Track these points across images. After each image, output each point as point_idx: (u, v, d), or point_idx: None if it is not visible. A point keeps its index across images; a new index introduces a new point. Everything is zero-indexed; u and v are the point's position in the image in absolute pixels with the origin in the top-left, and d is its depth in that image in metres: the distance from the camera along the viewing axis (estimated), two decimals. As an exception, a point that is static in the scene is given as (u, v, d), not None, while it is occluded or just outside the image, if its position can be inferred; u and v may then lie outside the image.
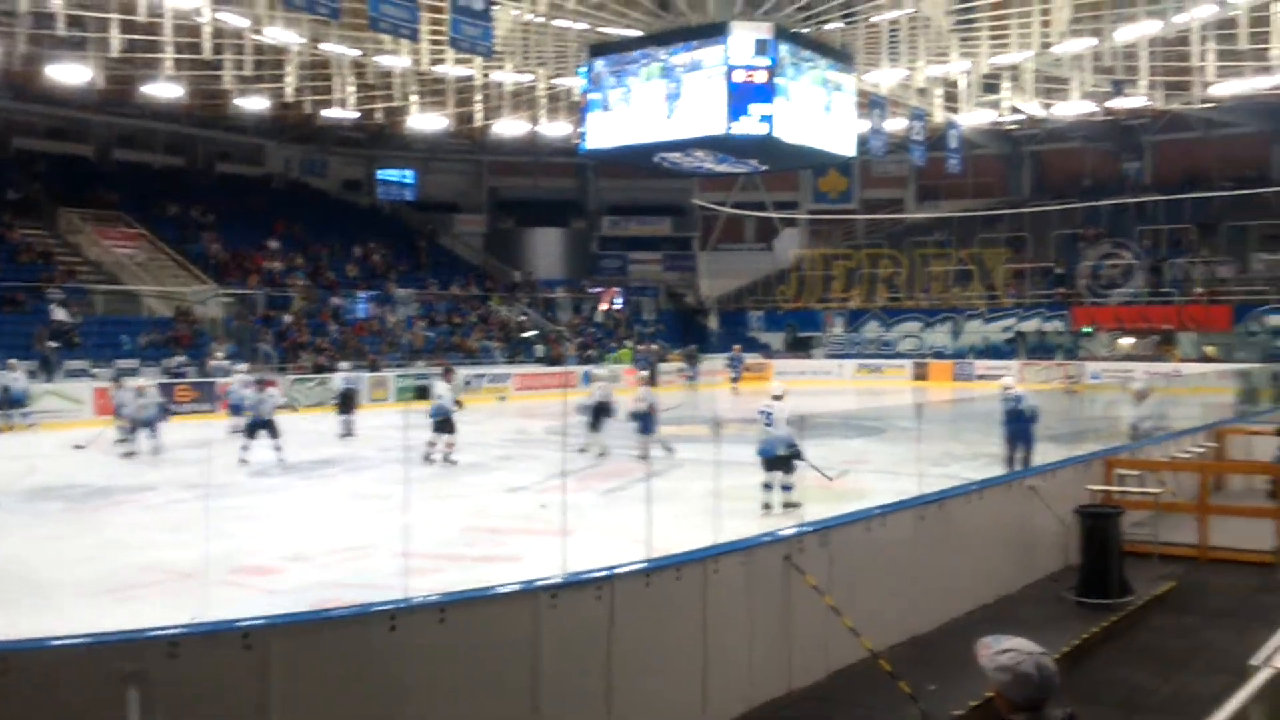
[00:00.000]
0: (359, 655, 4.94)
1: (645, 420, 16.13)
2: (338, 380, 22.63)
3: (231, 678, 4.61)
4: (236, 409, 19.73)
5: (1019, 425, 13.70)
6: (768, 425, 12.00)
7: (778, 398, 12.28)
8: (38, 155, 34.30)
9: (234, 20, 22.73)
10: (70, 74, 25.85)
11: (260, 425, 16.84)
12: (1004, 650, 2.95)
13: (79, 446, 17.84)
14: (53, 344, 24.27)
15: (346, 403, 21.51)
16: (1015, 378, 16.62)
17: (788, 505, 11.53)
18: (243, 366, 22.90)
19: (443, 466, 16.12)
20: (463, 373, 30.25)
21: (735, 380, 33.78)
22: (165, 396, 23.71)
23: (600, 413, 17.85)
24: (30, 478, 15.28)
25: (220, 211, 35.55)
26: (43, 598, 8.92)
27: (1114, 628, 8.26)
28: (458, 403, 17.20)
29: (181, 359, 25.85)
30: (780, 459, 11.76)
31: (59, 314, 25.73)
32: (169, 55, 23.04)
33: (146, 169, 37.53)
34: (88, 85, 26.78)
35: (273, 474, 15.97)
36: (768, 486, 11.88)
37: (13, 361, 21.42)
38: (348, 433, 20.79)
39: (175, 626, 4.71)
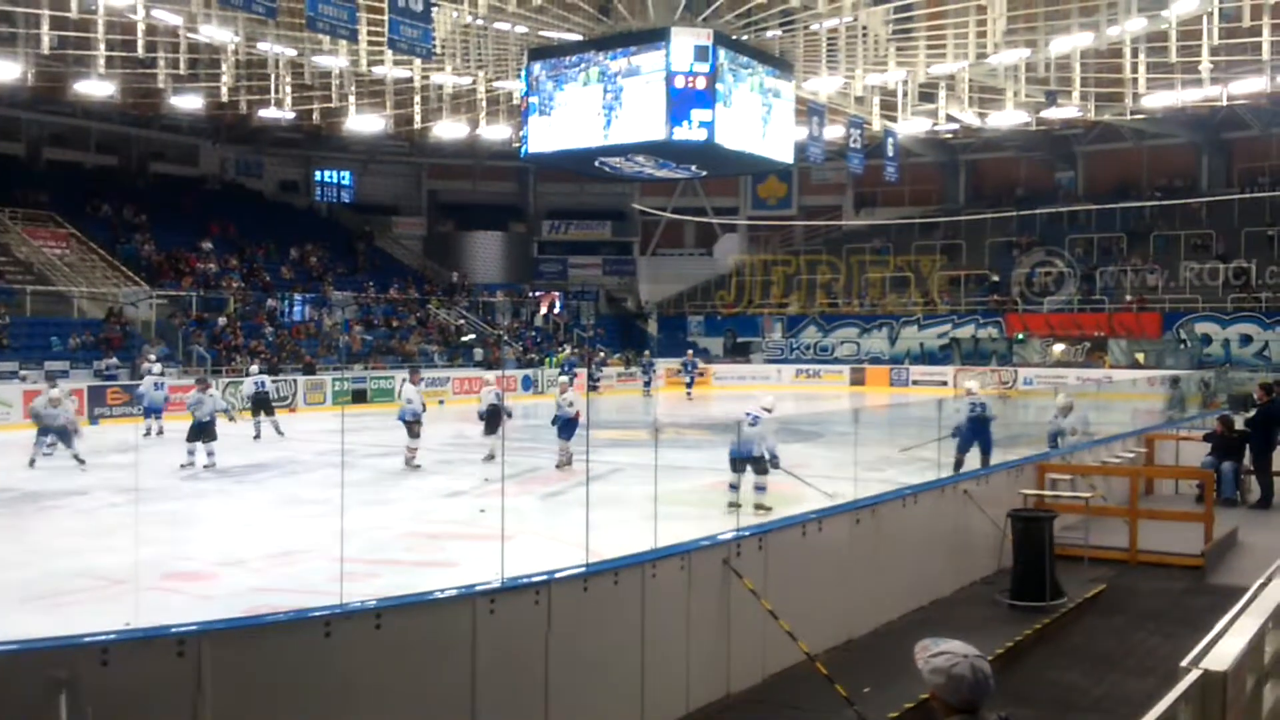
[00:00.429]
0: (294, 662, 4.88)
1: (567, 426, 16.01)
2: (247, 384, 22.33)
3: (164, 685, 4.54)
4: (149, 411, 19.69)
5: (982, 430, 14.03)
6: (752, 425, 12.33)
7: (768, 409, 12.68)
8: (-36, 154, 33.34)
9: (168, 18, 22.27)
10: (0, 71, 25.12)
11: (200, 428, 16.52)
12: (939, 653, 2.98)
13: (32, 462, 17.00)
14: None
15: (259, 405, 21.19)
16: (978, 383, 16.91)
17: (759, 507, 11.66)
18: (157, 368, 22.25)
19: (392, 472, 15.98)
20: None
21: (689, 386, 33.62)
22: (95, 400, 23.30)
23: (492, 416, 17.60)
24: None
25: (153, 212, 34.84)
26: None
27: (1047, 630, 8.43)
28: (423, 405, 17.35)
29: (113, 361, 25.28)
30: (755, 459, 12.20)
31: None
32: (102, 53, 22.55)
33: (78, 168, 36.65)
34: (18, 83, 26.02)
35: (206, 478, 15.68)
36: (734, 486, 12.14)
37: None
38: (258, 434, 20.60)
39: (107, 633, 4.62)
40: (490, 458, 17.24)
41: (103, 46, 22.23)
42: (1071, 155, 42.24)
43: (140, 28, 22.01)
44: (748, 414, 12.58)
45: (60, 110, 33.93)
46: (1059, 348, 36.70)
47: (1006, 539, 9.70)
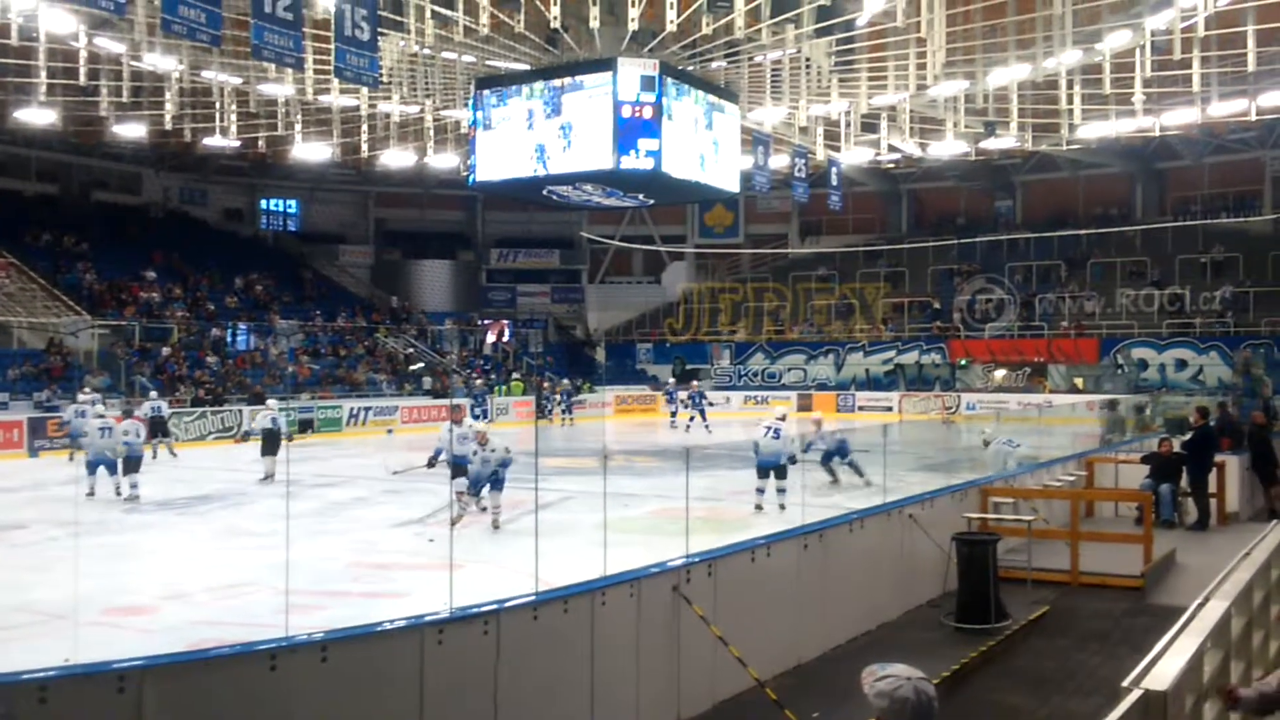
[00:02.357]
0: (238, 696, 4.83)
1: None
2: (146, 408, 22.13)
3: (104, 722, 4.46)
4: (74, 437, 19.24)
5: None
6: (775, 439, 14.09)
7: (782, 419, 14.55)
8: (-102, 181, 32.54)
9: (111, 46, 22.01)
10: (-67, 97, 24.65)
11: (132, 460, 16.23)
12: (884, 676, 3.02)
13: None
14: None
15: (155, 429, 21.26)
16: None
17: (783, 507, 13.30)
18: (90, 396, 21.64)
19: (339, 502, 15.79)
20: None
21: (703, 416, 30.37)
22: (35, 432, 22.78)
23: (269, 438, 18.55)
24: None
25: (95, 241, 34.28)
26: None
27: (992, 651, 8.56)
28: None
29: (96, 395, 24.71)
30: (779, 467, 13.97)
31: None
32: (43, 80, 22.19)
33: (17, 196, 35.92)
34: (-47, 109, 25.56)
35: (148, 510, 15.39)
36: (761, 490, 13.92)
37: None
38: (155, 456, 20.78)
39: (46, 669, 4.55)
40: (267, 478, 18.10)
41: (43, 74, 21.88)
42: (1010, 184, 43.17)
43: (82, 55, 21.71)
44: (768, 428, 14.23)
45: (0, 138, 33.35)
46: (1000, 373, 37.34)
47: (951, 562, 9.85)
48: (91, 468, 16.07)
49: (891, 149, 31.09)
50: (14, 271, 30.06)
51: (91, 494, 15.96)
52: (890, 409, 35.68)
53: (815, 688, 7.58)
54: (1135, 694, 3.70)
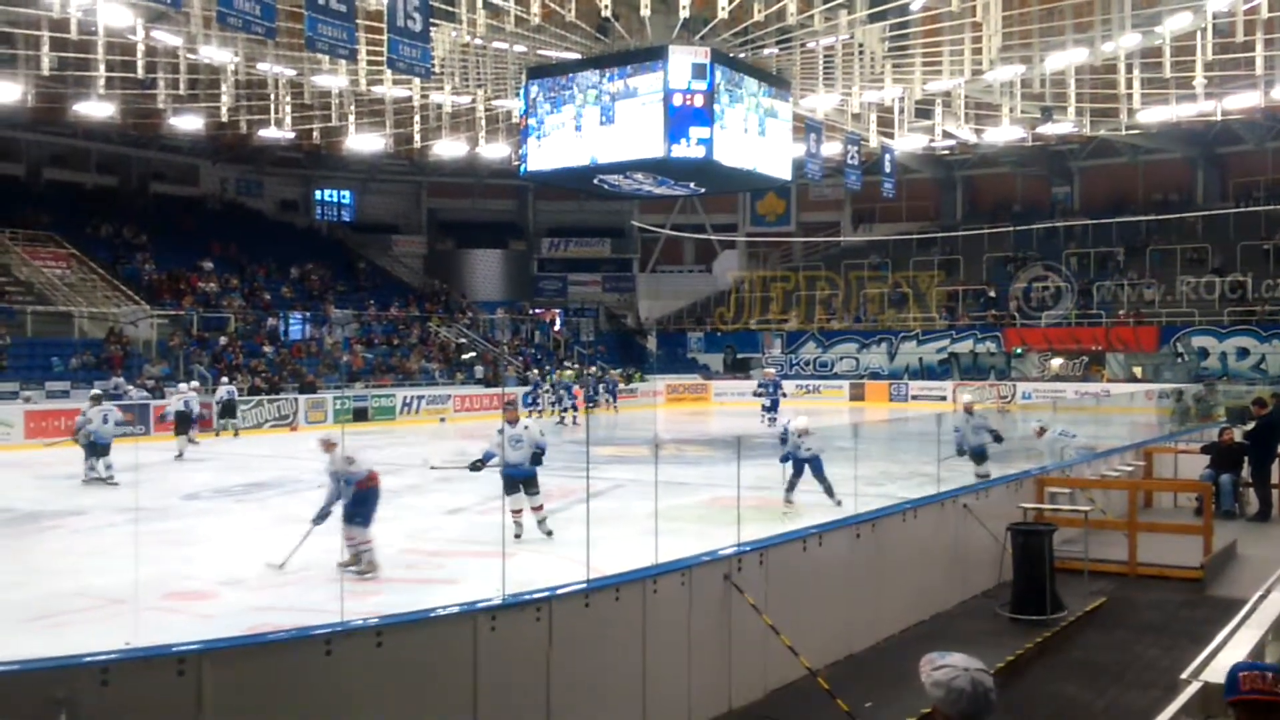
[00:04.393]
0: (295, 680, 4.88)
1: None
2: (222, 393, 22.59)
3: (165, 704, 4.53)
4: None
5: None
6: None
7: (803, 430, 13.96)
8: (-35, 174, 33.47)
9: (168, 39, 22.38)
10: (0, 92, 25.23)
11: (103, 447, 16.74)
12: (941, 666, 2.99)
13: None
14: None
15: (182, 424, 21.48)
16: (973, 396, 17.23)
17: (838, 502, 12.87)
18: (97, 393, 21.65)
19: (392, 490, 15.91)
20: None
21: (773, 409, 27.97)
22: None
23: (181, 419, 20.54)
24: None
25: (154, 232, 34.96)
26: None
27: (1047, 643, 8.43)
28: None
29: (118, 380, 25.34)
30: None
31: (-12, 336, 25.14)
32: (101, 74, 22.63)
33: (78, 189, 36.78)
34: (18, 104, 26.13)
35: (206, 497, 15.68)
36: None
37: None
38: (180, 454, 20.71)
39: (107, 653, 4.62)
40: (179, 456, 20.01)
41: (102, 67, 22.30)
42: (1067, 170, 42.39)
43: (140, 49, 22.09)
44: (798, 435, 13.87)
45: (60, 131, 34.05)
46: (1056, 362, 36.75)
47: (1006, 552, 9.71)
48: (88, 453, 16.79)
49: (946, 135, 30.66)
50: (75, 262, 30.78)
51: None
52: (944, 398, 35.28)
53: (868, 677, 7.52)
54: (1195, 686, 3.61)
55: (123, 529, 12.30)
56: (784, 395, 29.75)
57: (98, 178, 37.83)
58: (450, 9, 19.79)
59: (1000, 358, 37.73)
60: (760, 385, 29.69)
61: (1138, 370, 34.77)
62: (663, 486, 9.24)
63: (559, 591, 5.96)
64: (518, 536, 11.51)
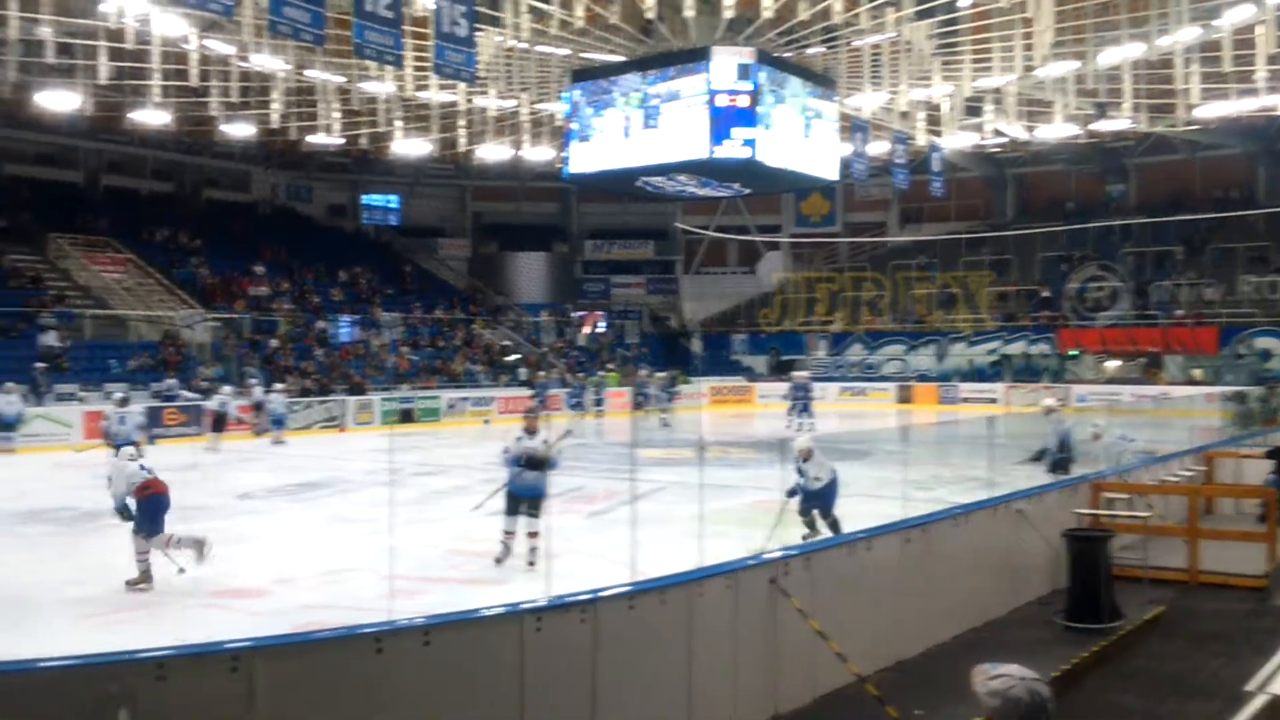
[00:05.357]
0: (344, 677, 4.92)
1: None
2: (214, 403, 23.03)
3: (218, 700, 4.59)
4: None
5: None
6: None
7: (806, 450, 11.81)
8: (27, 181, 34.26)
9: (220, 47, 22.78)
10: (59, 101, 25.85)
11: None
12: (997, 675, 2.95)
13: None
14: (42, 366, 24.20)
15: (217, 424, 22.43)
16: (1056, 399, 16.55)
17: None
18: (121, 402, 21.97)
19: (439, 490, 16.02)
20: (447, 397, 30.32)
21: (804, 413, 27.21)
22: (151, 420, 23.77)
23: (219, 420, 21.59)
24: (19, 501, 15.16)
25: (207, 237, 35.56)
26: (31, 620, 8.87)
27: (1104, 652, 8.24)
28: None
29: (172, 381, 25.79)
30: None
31: (49, 339, 25.68)
32: (156, 82, 23.05)
33: (135, 195, 37.52)
34: (77, 112, 26.76)
35: (257, 497, 15.89)
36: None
37: (9, 385, 21.37)
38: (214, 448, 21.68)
39: (163, 648, 4.69)
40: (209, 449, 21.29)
41: (158, 76, 22.71)
42: (1123, 168, 41.64)
43: (194, 57, 22.49)
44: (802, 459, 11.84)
45: (118, 139, 34.76)
46: (1113, 364, 36.08)
47: (1062, 559, 9.53)
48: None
49: (997, 133, 30.31)
50: (132, 267, 31.38)
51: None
52: (995, 401, 34.80)
53: (918, 685, 7.40)
54: (1261, 699, 3.50)
55: (177, 528, 12.48)
56: (816, 399, 28.46)
57: (153, 184, 38.57)
58: (495, 14, 19.92)
59: (1054, 360, 37.12)
60: (794, 389, 28.28)
61: (1197, 373, 34.00)
62: (706, 489, 9.18)
63: (604, 594, 5.94)
64: (499, 560, 10.47)
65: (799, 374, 30.53)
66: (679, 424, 30.21)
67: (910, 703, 6.78)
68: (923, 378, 38.43)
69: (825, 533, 11.12)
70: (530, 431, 10.67)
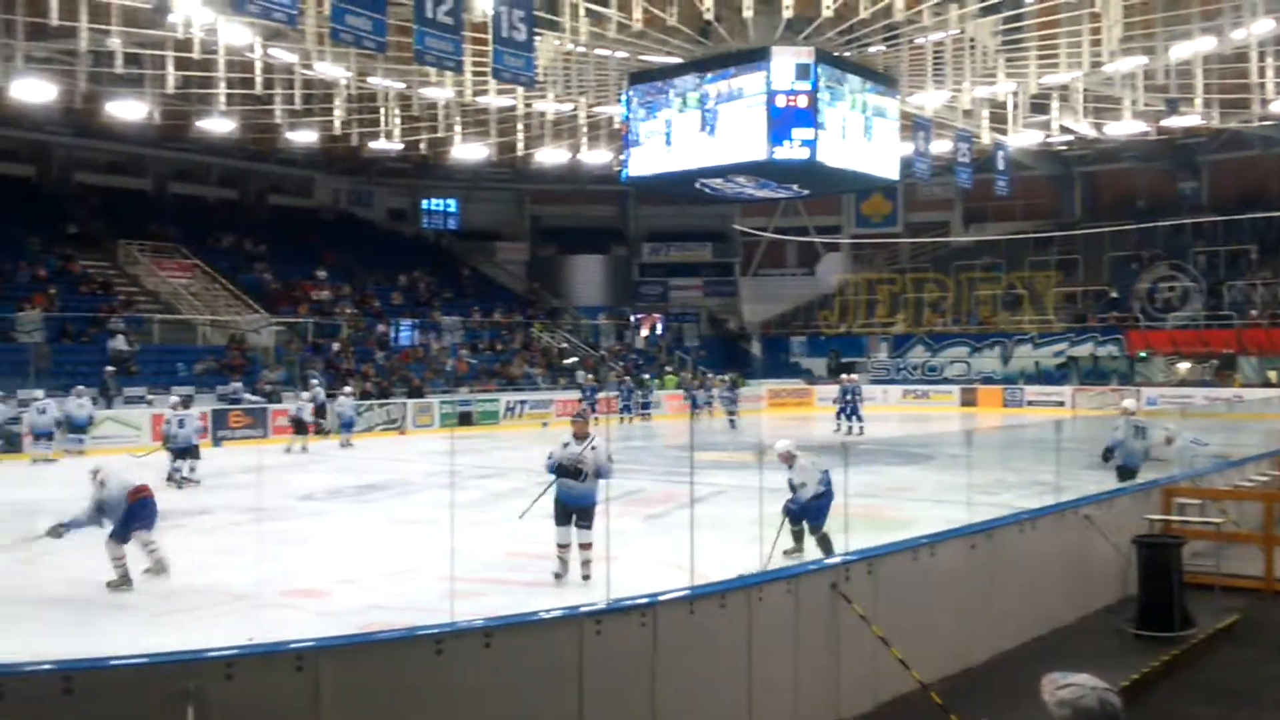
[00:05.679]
0: (407, 678, 4.97)
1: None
2: (294, 408, 23.57)
3: (284, 699, 4.67)
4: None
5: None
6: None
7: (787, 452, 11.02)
8: (98, 189, 35.22)
9: (284, 56, 23.19)
10: (128, 110, 26.52)
11: (185, 449, 17.36)
12: (1066, 684, 2.90)
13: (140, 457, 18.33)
14: (111, 370, 24.83)
15: (298, 428, 23.41)
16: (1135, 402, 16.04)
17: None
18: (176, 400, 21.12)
19: (498, 493, 16.12)
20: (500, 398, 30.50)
21: (850, 415, 27.31)
22: (218, 424, 24.29)
23: (298, 424, 22.67)
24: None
25: (271, 242, 36.24)
26: (104, 618, 9.08)
27: (1176, 661, 8.04)
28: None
29: (237, 385, 26.31)
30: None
31: (119, 343, 26.33)
32: (222, 91, 23.55)
33: (201, 202, 38.39)
34: (145, 121, 27.45)
35: (320, 498, 16.13)
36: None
37: (80, 388, 21.93)
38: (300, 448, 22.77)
39: (231, 648, 4.78)
40: (286, 450, 21.99)
41: (223, 85, 23.20)
42: (1195, 164, 40.62)
43: (258, 66, 22.93)
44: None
45: (184, 147, 35.55)
46: (1184, 366, 35.21)
47: (1131, 566, 9.31)
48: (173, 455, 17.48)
49: (1063, 130, 29.70)
50: (198, 272, 32.08)
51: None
52: (1062, 404, 34.15)
53: (983, 693, 7.27)
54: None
55: (245, 528, 12.72)
56: (867, 400, 28.06)
57: (219, 191, 39.43)
58: (553, 18, 20.02)
59: (1123, 361, 36.35)
60: (842, 392, 27.90)
61: (1273, 374, 33.05)
62: (765, 493, 9.10)
63: (663, 597, 5.92)
64: (558, 576, 10.06)
65: (847, 376, 30.32)
66: (739, 427, 30.10)
67: (976, 711, 6.66)
68: (987, 380, 37.87)
69: (811, 551, 10.31)
70: (579, 437, 10.18)
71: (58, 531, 9.98)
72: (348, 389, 26.07)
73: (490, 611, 6.08)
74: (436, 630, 5.15)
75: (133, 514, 9.95)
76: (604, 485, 9.99)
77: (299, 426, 23.29)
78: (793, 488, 10.47)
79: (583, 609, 5.62)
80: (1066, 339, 37.77)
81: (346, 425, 24.42)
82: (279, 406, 26.18)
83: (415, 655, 5.04)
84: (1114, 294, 38.44)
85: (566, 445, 10.08)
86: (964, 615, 7.94)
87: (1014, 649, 8.27)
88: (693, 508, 11.51)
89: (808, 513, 10.48)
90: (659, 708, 5.67)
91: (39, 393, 21.63)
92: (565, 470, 9.96)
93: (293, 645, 4.85)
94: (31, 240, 29.98)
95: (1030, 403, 35.37)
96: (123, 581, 9.91)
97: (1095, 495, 10.55)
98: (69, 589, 10.02)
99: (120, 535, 9.92)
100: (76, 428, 21.45)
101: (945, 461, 18.16)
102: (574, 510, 9.99)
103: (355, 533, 13.63)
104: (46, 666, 4.52)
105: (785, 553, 10.40)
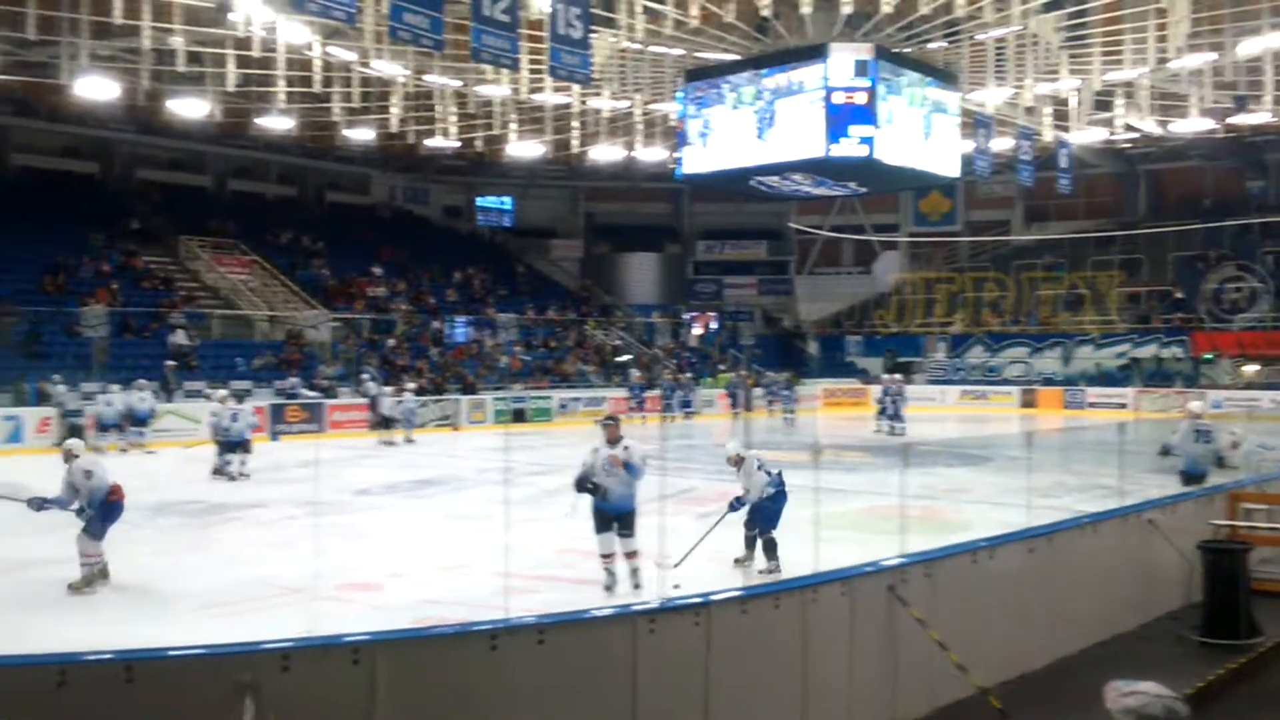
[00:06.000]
0: (461, 673, 4.99)
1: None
2: (407, 401, 23.78)
3: (340, 692, 4.71)
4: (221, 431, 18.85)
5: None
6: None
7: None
8: (159, 186, 35.91)
9: (342, 54, 23.46)
10: (189, 108, 27.01)
11: (236, 443, 17.60)
12: (1131, 692, 2.83)
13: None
14: (172, 364, 25.30)
15: (386, 422, 24.23)
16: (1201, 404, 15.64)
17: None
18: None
19: (551, 490, 16.16)
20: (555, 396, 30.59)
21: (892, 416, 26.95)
22: (275, 418, 24.66)
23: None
24: (151, 494, 15.85)
25: (329, 239, 36.69)
26: (162, 609, 9.24)
27: (1242, 670, 7.85)
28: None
29: (294, 380, 26.68)
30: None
31: (179, 337, 26.83)
32: (281, 89, 23.88)
33: (260, 199, 39.00)
34: (206, 118, 27.96)
35: (375, 493, 16.30)
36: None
37: (141, 382, 22.39)
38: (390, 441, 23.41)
39: (288, 640, 4.82)
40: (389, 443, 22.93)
41: (282, 83, 23.52)
42: (1263, 163, 39.54)
43: (317, 64, 23.21)
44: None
45: (244, 144, 36.16)
46: (1251, 369, 34.32)
47: (1196, 572, 9.09)
48: (222, 450, 17.77)
49: (1128, 128, 29.07)
50: (257, 268, 32.60)
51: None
52: (1124, 406, 33.46)
53: (1043, 699, 7.15)
54: None
55: (301, 521, 12.89)
56: (905, 402, 27.40)
57: (278, 188, 40.03)
58: (610, 15, 20.01)
59: (1187, 364, 35.53)
60: (884, 392, 27.57)
61: (1341, 377, 32.15)
62: (820, 493, 9.01)
63: (716, 597, 5.89)
64: (608, 588, 9.58)
65: (889, 376, 29.95)
66: (795, 425, 29.91)
67: (1035, 717, 6.55)
68: (1047, 381, 37.25)
69: (759, 560, 10.15)
70: (612, 442, 9.73)
71: (38, 504, 9.64)
72: (409, 385, 26.30)
73: (543, 608, 6.09)
74: (491, 626, 5.15)
75: (111, 512, 9.77)
76: (642, 485, 9.84)
77: (385, 422, 24.07)
78: (761, 493, 10.21)
79: (636, 607, 5.61)
80: (1129, 340, 37.02)
81: (407, 420, 24.68)
82: (335, 401, 26.52)
83: (469, 650, 5.05)
84: (1179, 295, 37.59)
85: (597, 450, 9.74)
86: (1023, 620, 7.81)
87: (1074, 655, 8.12)
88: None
89: (757, 516, 10.23)
90: (712, 708, 5.63)
91: (114, 387, 22.19)
92: (584, 488, 9.59)
93: (349, 638, 4.88)
94: (95, 236, 30.62)
95: (1092, 405, 34.74)
96: (88, 582, 9.58)
97: (1159, 499, 10.33)
98: (128, 578, 10.21)
99: (98, 532, 9.66)
100: (138, 421, 21.90)
101: (1004, 463, 17.87)
102: (613, 517, 9.63)
103: (410, 527, 13.75)
104: (108, 655, 4.60)
105: (736, 561, 10.31)
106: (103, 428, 21.36)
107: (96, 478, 9.70)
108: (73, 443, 10.15)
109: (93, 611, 9.02)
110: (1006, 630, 7.63)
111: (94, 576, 9.63)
